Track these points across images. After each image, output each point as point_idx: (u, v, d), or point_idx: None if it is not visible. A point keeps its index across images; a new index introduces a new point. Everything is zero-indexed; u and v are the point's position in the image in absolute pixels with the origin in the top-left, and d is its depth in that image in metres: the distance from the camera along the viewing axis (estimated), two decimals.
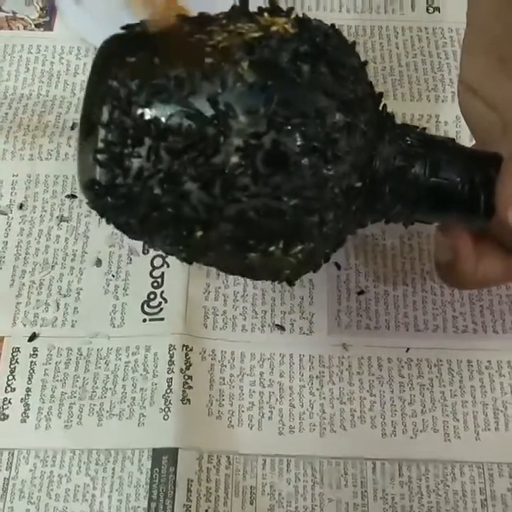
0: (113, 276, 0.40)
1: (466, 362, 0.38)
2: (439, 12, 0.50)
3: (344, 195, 0.26)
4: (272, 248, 0.27)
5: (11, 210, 0.42)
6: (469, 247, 0.30)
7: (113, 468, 0.35)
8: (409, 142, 0.28)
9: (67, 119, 0.45)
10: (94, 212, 0.41)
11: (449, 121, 0.45)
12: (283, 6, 0.49)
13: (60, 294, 0.40)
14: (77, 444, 0.36)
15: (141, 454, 0.36)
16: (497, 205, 0.28)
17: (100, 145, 0.26)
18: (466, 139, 0.42)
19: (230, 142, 0.25)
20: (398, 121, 0.30)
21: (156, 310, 0.39)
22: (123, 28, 0.28)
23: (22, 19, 0.49)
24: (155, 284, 0.40)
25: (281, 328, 0.39)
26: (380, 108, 0.29)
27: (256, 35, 0.26)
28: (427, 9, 0.50)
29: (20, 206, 0.42)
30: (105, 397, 0.37)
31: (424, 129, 0.30)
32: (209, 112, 0.25)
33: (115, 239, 0.41)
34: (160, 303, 0.39)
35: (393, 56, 0.48)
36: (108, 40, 0.28)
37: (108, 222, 0.29)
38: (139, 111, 0.25)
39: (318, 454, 0.36)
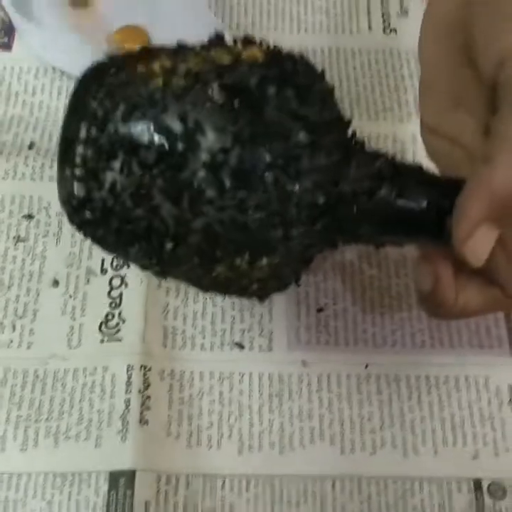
0: (70, 296, 0.40)
1: (424, 377, 0.39)
2: (396, 34, 0.51)
3: (308, 211, 0.27)
4: (238, 260, 0.28)
5: None
6: (450, 275, 0.30)
7: (69, 492, 0.35)
8: (377, 166, 0.29)
9: (24, 139, 0.45)
10: (51, 232, 0.42)
11: (406, 141, 0.46)
12: (244, 27, 0.50)
13: (16, 316, 0.39)
14: (33, 468, 0.35)
15: (97, 476, 0.35)
16: (453, 239, 0.28)
17: (77, 160, 0.27)
18: (424, 160, 0.42)
19: (198, 157, 0.26)
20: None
21: (114, 330, 0.39)
22: (106, 54, 0.30)
23: None
24: (113, 304, 0.40)
25: (241, 346, 0.39)
26: (350, 134, 0.30)
27: (227, 61, 0.28)
28: (384, 30, 0.51)
29: None
30: (62, 419, 0.36)
31: (394, 156, 0.30)
32: (179, 128, 0.26)
33: (73, 259, 0.41)
34: (118, 323, 0.39)
35: (351, 77, 0.49)
36: (89, 67, 0.29)
37: (86, 236, 0.30)
38: (114, 127, 0.27)
39: (278, 472, 0.36)
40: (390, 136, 0.46)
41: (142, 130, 0.26)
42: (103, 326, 0.39)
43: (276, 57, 0.29)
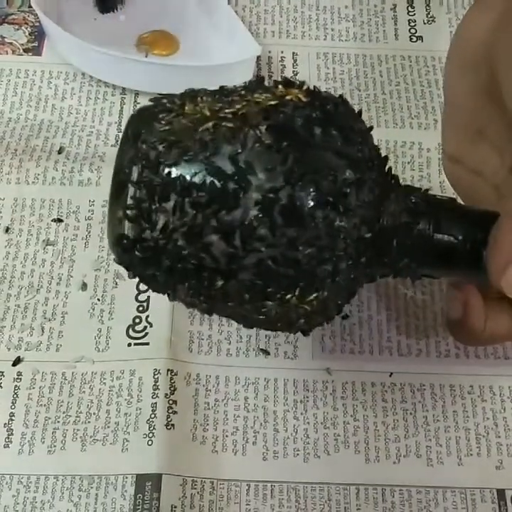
0: (98, 300, 0.40)
1: (449, 387, 0.39)
2: (422, 41, 0.51)
3: (355, 245, 0.28)
4: (289, 296, 0.28)
5: None
6: (479, 305, 0.31)
7: (96, 494, 0.35)
8: (413, 201, 0.30)
9: (54, 143, 0.45)
10: (80, 235, 0.42)
11: (432, 148, 0.46)
12: (271, 34, 0.50)
13: (45, 318, 0.40)
14: (61, 470, 0.36)
15: (124, 479, 0.35)
16: (489, 271, 0.29)
17: (130, 201, 0.28)
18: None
19: (250, 196, 0.27)
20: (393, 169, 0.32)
21: (141, 334, 0.39)
22: (151, 100, 0.30)
23: (10, 44, 0.50)
24: (140, 309, 0.40)
25: (266, 352, 0.39)
26: (386, 170, 0.31)
27: (272, 102, 0.29)
28: (411, 38, 0.51)
29: (6, 230, 0.42)
30: (89, 422, 0.37)
31: (427, 190, 0.32)
32: (230, 169, 0.27)
33: (101, 263, 0.41)
34: (145, 327, 0.39)
35: (377, 84, 0.49)
36: (138, 110, 0.31)
37: (134, 276, 0.31)
38: (167, 170, 0.27)
39: (302, 479, 0.36)
40: (416, 144, 0.46)
41: (194, 172, 0.27)
42: (130, 330, 0.39)
43: (317, 98, 0.30)
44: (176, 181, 0.27)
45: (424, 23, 0.52)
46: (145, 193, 0.28)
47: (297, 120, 0.28)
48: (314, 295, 0.28)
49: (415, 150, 0.46)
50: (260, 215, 0.27)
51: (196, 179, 0.27)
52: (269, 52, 0.50)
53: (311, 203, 0.27)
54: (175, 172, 0.27)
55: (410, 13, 0.52)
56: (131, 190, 0.28)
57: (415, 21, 0.52)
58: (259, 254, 0.27)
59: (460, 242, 0.30)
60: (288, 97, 0.29)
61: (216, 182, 0.27)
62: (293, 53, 0.50)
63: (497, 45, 0.30)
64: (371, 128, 0.31)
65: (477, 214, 0.31)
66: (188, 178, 0.27)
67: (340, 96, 0.31)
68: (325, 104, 0.29)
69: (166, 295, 0.31)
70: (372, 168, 0.29)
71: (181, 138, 0.28)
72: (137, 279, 0.40)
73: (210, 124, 0.28)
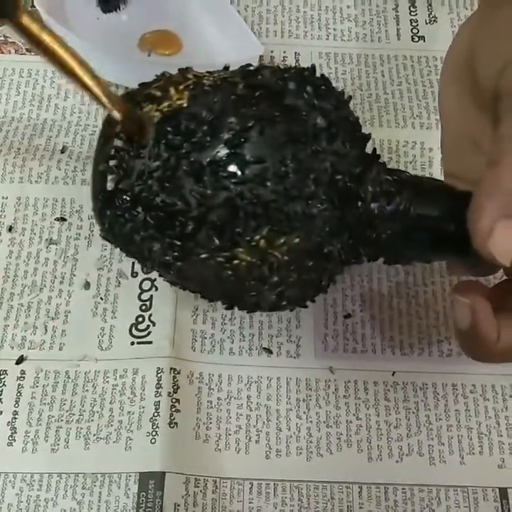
0: (101, 299, 0.40)
1: (451, 386, 0.39)
2: (424, 41, 0.51)
3: (325, 188, 0.28)
4: (257, 237, 0.28)
5: (0, 233, 0.42)
6: (488, 309, 0.29)
7: (100, 493, 0.35)
8: (396, 174, 0.30)
9: (57, 143, 0.45)
10: (83, 234, 0.42)
11: (434, 148, 0.46)
12: (274, 34, 0.50)
13: (48, 317, 0.40)
14: (64, 468, 0.36)
15: (127, 478, 0.36)
16: (473, 239, 0.27)
17: (111, 152, 0.29)
18: None
19: (221, 136, 0.28)
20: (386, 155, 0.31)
21: (144, 333, 0.39)
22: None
23: (13, 43, 0.50)
24: (143, 307, 0.40)
25: (269, 351, 0.39)
26: (371, 151, 0.31)
27: (251, 68, 0.31)
28: (412, 38, 0.51)
29: (10, 229, 0.42)
30: (92, 420, 0.37)
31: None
32: (205, 115, 0.28)
33: (104, 262, 0.41)
34: (148, 326, 0.39)
35: (379, 84, 0.49)
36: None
37: (114, 239, 0.31)
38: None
39: (305, 478, 0.36)
40: (418, 144, 0.46)
41: (172, 119, 0.28)
42: (134, 329, 0.39)
43: (296, 67, 0.31)
44: (154, 128, 0.28)
45: (426, 23, 0.52)
46: (125, 142, 0.29)
47: (272, 78, 0.29)
48: (283, 239, 0.28)
49: (417, 150, 0.46)
50: (230, 152, 0.28)
51: (172, 125, 0.28)
52: (272, 51, 0.50)
53: (280, 140, 0.28)
54: (154, 121, 0.28)
55: (412, 13, 0.53)
56: (113, 141, 0.29)
57: (417, 21, 0.52)
58: (228, 192, 0.28)
59: (441, 217, 0.29)
60: (267, 64, 0.31)
61: (191, 125, 0.28)
62: (295, 53, 0.50)
63: (475, 41, 0.30)
64: (349, 98, 0.32)
65: (460, 193, 0.30)
66: (164, 124, 0.28)
67: (322, 74, 0.32)
68: (302, 70, 0.30)
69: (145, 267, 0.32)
70: (347, 127, 0.30)
71: (163, 97, 0.29)
72: (140, 279, 0.41)
73: (191, 82, 0.30)
